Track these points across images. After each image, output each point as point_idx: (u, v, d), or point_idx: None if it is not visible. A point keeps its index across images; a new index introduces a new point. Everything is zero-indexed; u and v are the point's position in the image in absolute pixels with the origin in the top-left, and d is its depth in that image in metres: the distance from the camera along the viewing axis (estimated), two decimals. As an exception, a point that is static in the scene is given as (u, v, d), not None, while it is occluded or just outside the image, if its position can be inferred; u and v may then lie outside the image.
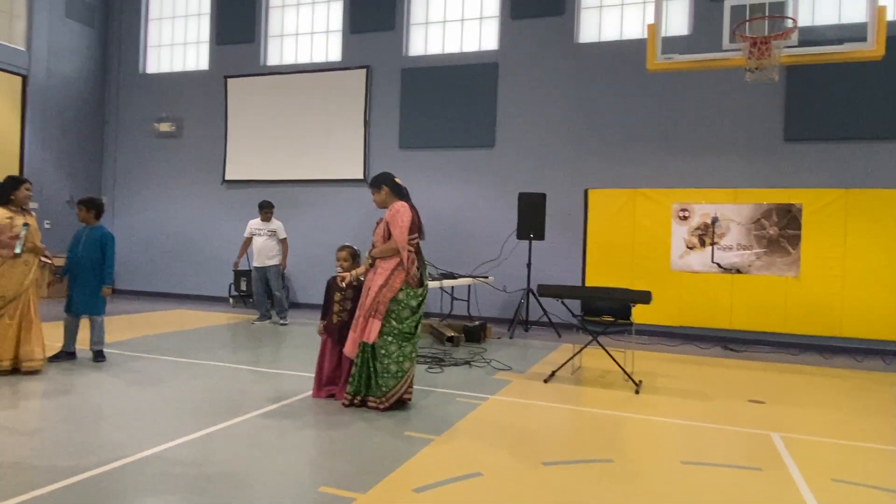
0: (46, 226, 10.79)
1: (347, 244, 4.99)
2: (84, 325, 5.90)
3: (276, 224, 9.13)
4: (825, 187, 8.42)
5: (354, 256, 4.93)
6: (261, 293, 9.10)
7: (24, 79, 11.20)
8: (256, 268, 9.00)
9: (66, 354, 5.81)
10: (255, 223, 9.13)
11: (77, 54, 12.17)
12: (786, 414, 4.90)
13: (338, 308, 4.83)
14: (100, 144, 12.77)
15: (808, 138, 8.70)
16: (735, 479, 3.40)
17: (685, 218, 8.83)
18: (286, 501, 2.90)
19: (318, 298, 10.28)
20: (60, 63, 11.82)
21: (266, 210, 9.14)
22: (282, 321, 8.99)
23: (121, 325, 8.15)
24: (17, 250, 3.04)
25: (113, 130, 12.79)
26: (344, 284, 4.79)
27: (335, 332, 4.81)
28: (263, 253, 8.97)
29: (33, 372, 5.22)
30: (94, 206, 5.87)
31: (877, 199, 8.08)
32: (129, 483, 3.03)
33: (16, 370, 5.16)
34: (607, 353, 5.91)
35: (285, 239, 9.12)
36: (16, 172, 10.98)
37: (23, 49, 11.18)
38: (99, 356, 5.88)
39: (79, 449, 3.45)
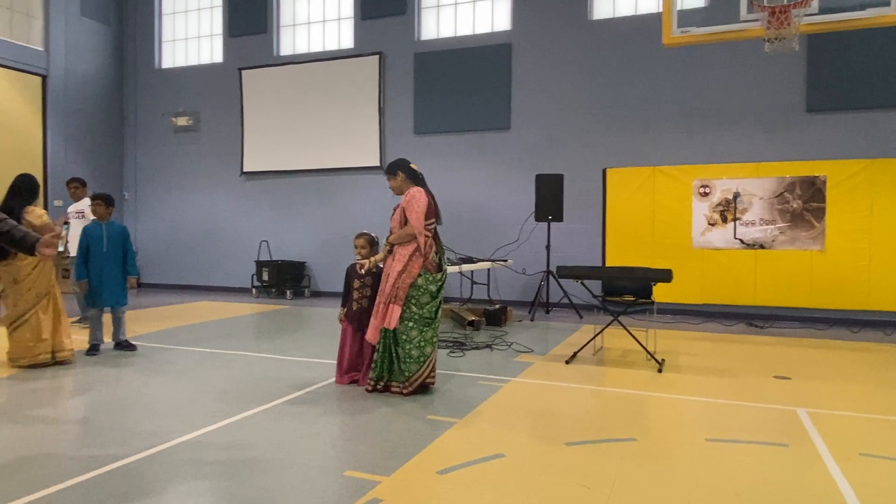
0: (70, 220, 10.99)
1: (365, 231, 5.01)
2: (106, 319, 6.04)
3: (85, 203, 7.20)
4: (850, 158, 8.25)
5: (372, 243, 4.95)
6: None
7: (44, 79, 11.36)
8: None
9: (95, 347, 5.94)
10: (71, 206, 7.44)
11: (94, 52, 12.30)
12: (812, 389, 4.85)
13: (357, 295, 4.87)
14: (120, 141, 12.94)
15: (831, 108, 8.51)
16: (761, 456, 3.38)
17: (706, 194, 8.71)
18: (313, 485, 2.95)
19: (338, 286, 10.36)
20: (78, 62, 11.96)
21: (71, 187, 7.33)
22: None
23: (148, 318, 8.30)
24: (61, 248, 3.11)
25: (132, 126, 12.94)
26: (363, 271, 4.82)
27: (355, 319, 4.85)
28: (74, 239, 7.18)
29: (64, 362, 5.41)
30: (112, 203, 6.03)
31: (904, 168, 7.90)
32: (162, 470, 3.10)
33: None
34: (629, 332, 5.88)
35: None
36: (40, 172, 11.20)
37: (41, 49, 11.33)
38: (129, 345, 6.05)
39: (114, 438, 3.54)
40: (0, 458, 3.23)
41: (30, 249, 3.09)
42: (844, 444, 3.57)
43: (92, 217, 7.00)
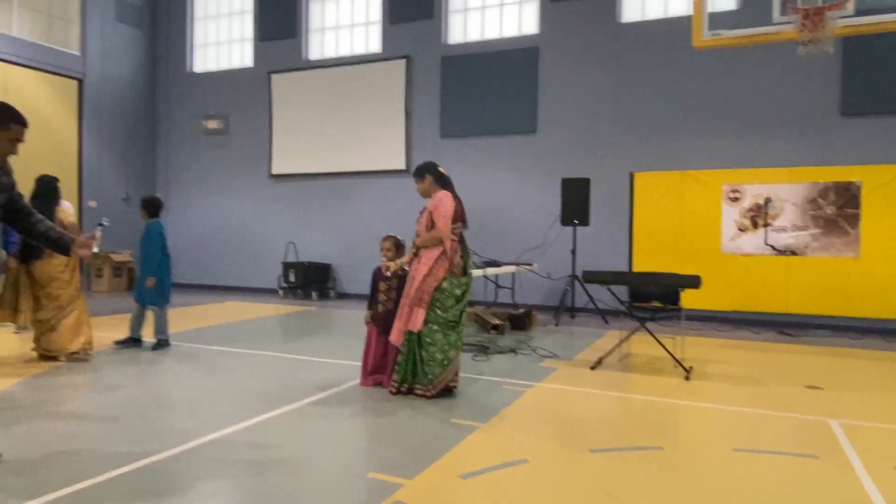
0: (105, 222, 11.24)
1: (391, 234, 5.03)
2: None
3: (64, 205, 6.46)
4: (886, 163, 8.04)
5: (399, 246, 4.97)
6: None
7: (80, 82, 11.66)
8: None
9: (133, 341, 6.16)
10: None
11: (128, 56, 12.59)
12: (845, 400, 4.73)
13: (383, 297, 4.89)
14: (152, 143, 13.21)
15: (867, 112, 8.31)
16: (791, 467, 3.31)
17: (736, 199, 8.57)
18: (337, 486, 2.97)
19: (364, 289, 10.37)
20: (113, 66, 12.25)
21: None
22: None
23: (177, 317, 8.44)
24: (95, 249, 3.18)
25: (164, 129, 13.20)
26: (389, 274, 4.84)
27: (381, 322, 4.87)
28: None
29: (91, 354, 5.73)
30: (144, 205, 6.24)
31: (943, 174, 7.68)
32: (190, 468, 3.15)
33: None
34: (656, 339, 5.80)
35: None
36: (75, 172, 11.49)
37: (77, 54, 11.63)
38: (159, 344, 6.18)
39: (143, 435, 3.61)
40: (31, 453, 3.32)
41: (65, 250, 3.17)
42: (879, 458, 3.47)
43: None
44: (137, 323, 6.19)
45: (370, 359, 4.91)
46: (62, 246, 3.18)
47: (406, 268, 4.78)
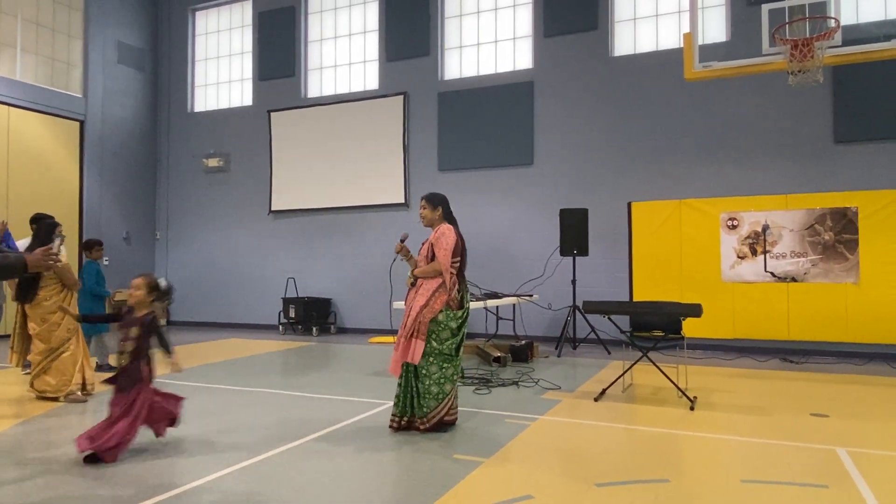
0: (105, 262, 11.26)
1: (146, 273, 4.26)
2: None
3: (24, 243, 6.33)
4: (881, 189, 8.10)
5: (151, 287, 4.11)
6: None
7: (82, 124, 11.81)
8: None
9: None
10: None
11: (129, 98, 12.77)
12: (852, 428, 4.67)
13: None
14: (153, 182, 13.31)
15: (860, 139, 8.40)
16: (800, 498, 3.25)
17: (734, 227, 8.61)
18: (338, 527, 2.91)
19: (364, 323, 10.36)
20: (114, 107, 12.42)
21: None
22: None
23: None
24: (62, 259, 3.14)
25: (165, 168, 13.32)
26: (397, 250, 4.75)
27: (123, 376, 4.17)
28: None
29: (90, 393, 5.66)
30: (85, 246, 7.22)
31: (939, 198, 7.72)
32: (186, 510, 3.09)
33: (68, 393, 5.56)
34: (659, 369, 5.76)
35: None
36: (76, 212, 11.55)
37: (79, 96, 11.80)
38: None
39: (138, 477, 3.55)
40: (21, 500, 3.26)
41: (21, 269, 3.03)
42: (889, 486, 3.42)
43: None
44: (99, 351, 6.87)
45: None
46: (17, 268, 3.04)
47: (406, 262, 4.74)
